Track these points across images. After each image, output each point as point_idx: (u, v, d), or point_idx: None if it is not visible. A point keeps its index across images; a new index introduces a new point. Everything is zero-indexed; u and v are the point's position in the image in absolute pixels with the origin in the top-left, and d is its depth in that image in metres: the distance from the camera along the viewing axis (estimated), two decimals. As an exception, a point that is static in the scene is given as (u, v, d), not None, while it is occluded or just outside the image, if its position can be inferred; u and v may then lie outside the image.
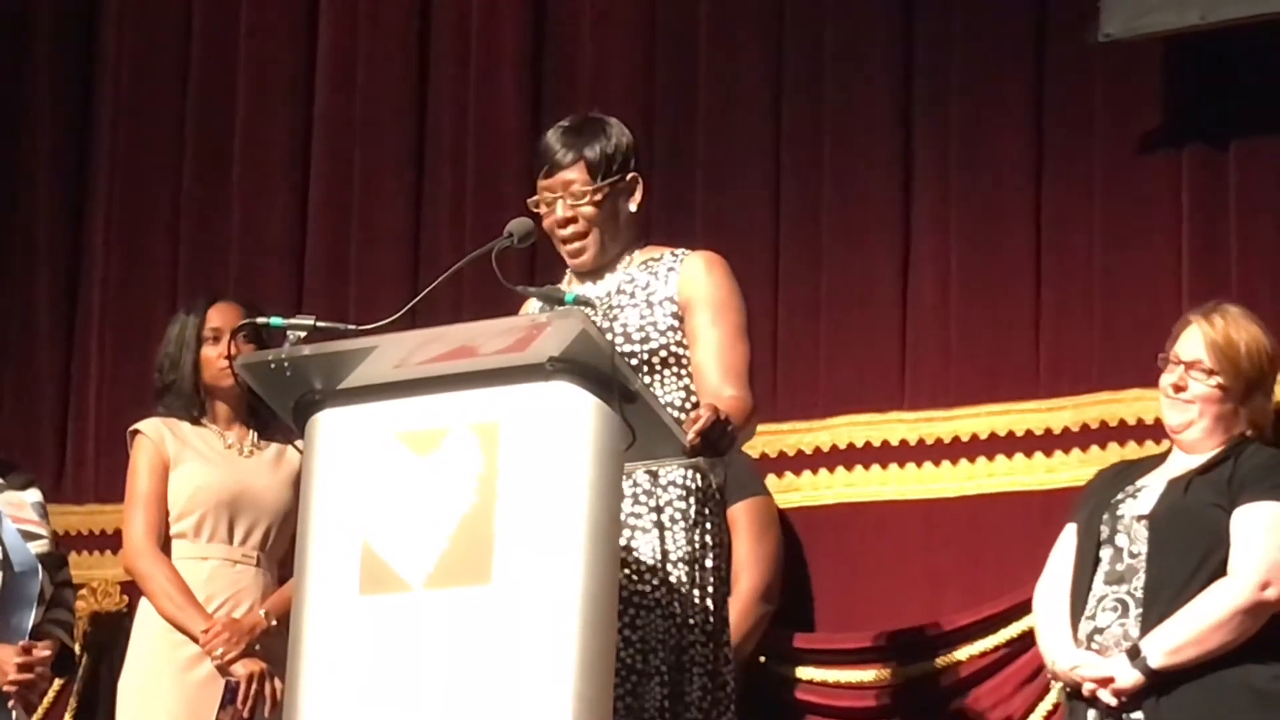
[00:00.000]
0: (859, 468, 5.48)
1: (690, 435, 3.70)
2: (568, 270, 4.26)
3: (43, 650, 5.17)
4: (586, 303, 4.00)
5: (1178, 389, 4.52)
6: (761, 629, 5.23)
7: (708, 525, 4.06)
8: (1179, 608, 4.30)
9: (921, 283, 5.49)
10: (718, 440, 3.74)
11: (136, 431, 5.22)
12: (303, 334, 3.87)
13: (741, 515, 5.17)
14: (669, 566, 3.98)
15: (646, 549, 3.97)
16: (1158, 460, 4.62)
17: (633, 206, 4.18)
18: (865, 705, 5.26)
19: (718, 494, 4.12)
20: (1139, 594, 4.37)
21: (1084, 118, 5.37)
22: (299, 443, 3.87)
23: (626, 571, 3.91)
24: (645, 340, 4.08)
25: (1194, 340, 4.54)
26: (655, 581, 3.96)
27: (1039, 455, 5.28)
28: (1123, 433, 5.17)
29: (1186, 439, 4.53)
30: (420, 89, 6.28)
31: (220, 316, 5.24)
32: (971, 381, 5.39)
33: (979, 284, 5.42)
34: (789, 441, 5.55)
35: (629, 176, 4.17)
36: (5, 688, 5.11)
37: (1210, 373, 4.50)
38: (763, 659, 5.31)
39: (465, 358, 3.69)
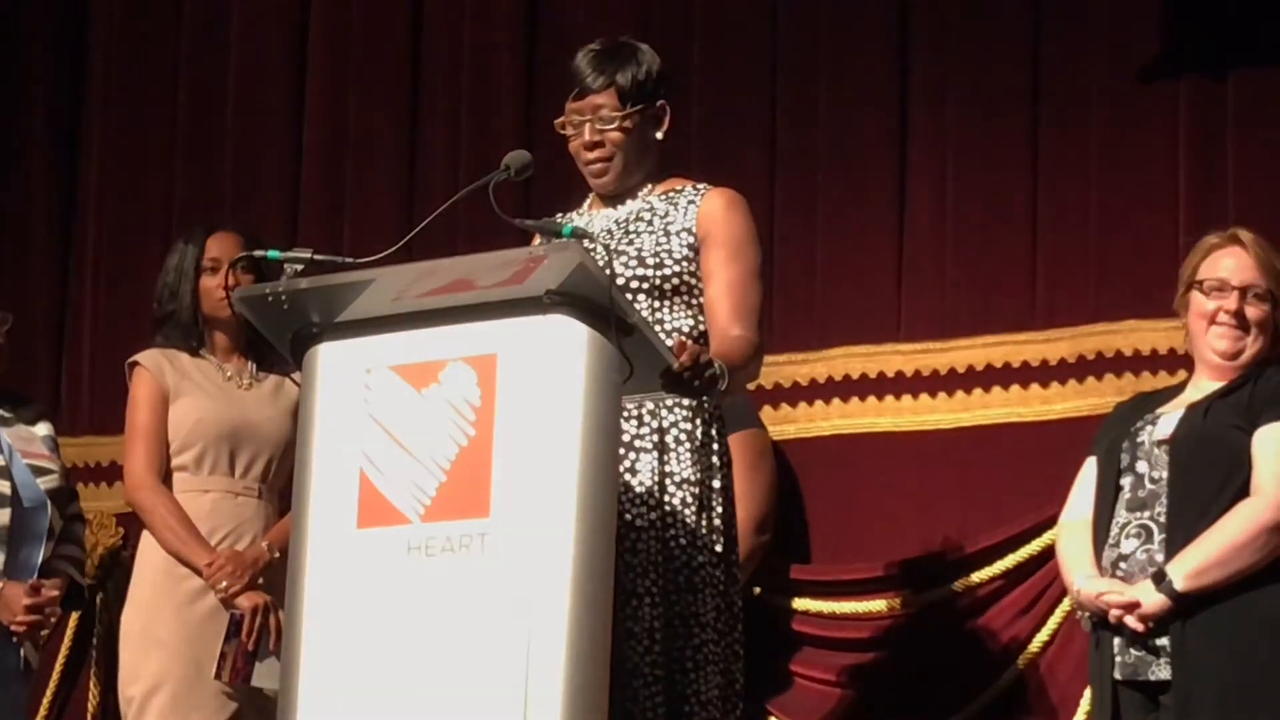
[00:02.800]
0: (855, 399, 5.49)
1: (684, 357, 3.68)
2: (590, 194, 4.25)
3: (51, 590, 5.16)
4: (584, 235, 4.00)
5: (1239, 315, 4.44)
6: (757, 559, 5.24)
7: (715, 445, 4.08)
8: (1203, 531, 4.27)
9: (918, 214, 5.49)
10: (698, 375, 3.71)
11: (135, 363, 5.19)
12: (300, 266, 3.86)
13: (735, 447, 5.16)
14: (671, 488, 3.99)
15: (646, 471, 3.98)
16: (1176, 390, 4.57)
17: (659, 134, 4.18)
18: (861, 636, 5.28)
19: (721, 414, 4.11)
20: (1162, 519, 4.34)
21: (1081, 47, 5.36)
22: (296, 375, 3.87)
23: (625, 495, 3.92)
24: (659, 266, 4.08)
25: (1241, 263, 4.46)
26: (652, 503, 3.97)
27: (1035, 387, 5.29)
28: (1119, 364, 5.18)
29: (1233, 366, 4.44)
30: (415, 21, 6.26)
31: (219, 246, 5.21)
32: (968, 313, 5.39)
33: (975, 215, 5.42)
34: (785, 373, 5.56)
35: (658, 104, 4.17)
36: (13, 627, 5.12)
37: (1265, 295, 4.44)
38: (758, 591, 5.33)
39: (463, 291, 3.69)
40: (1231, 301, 4.44)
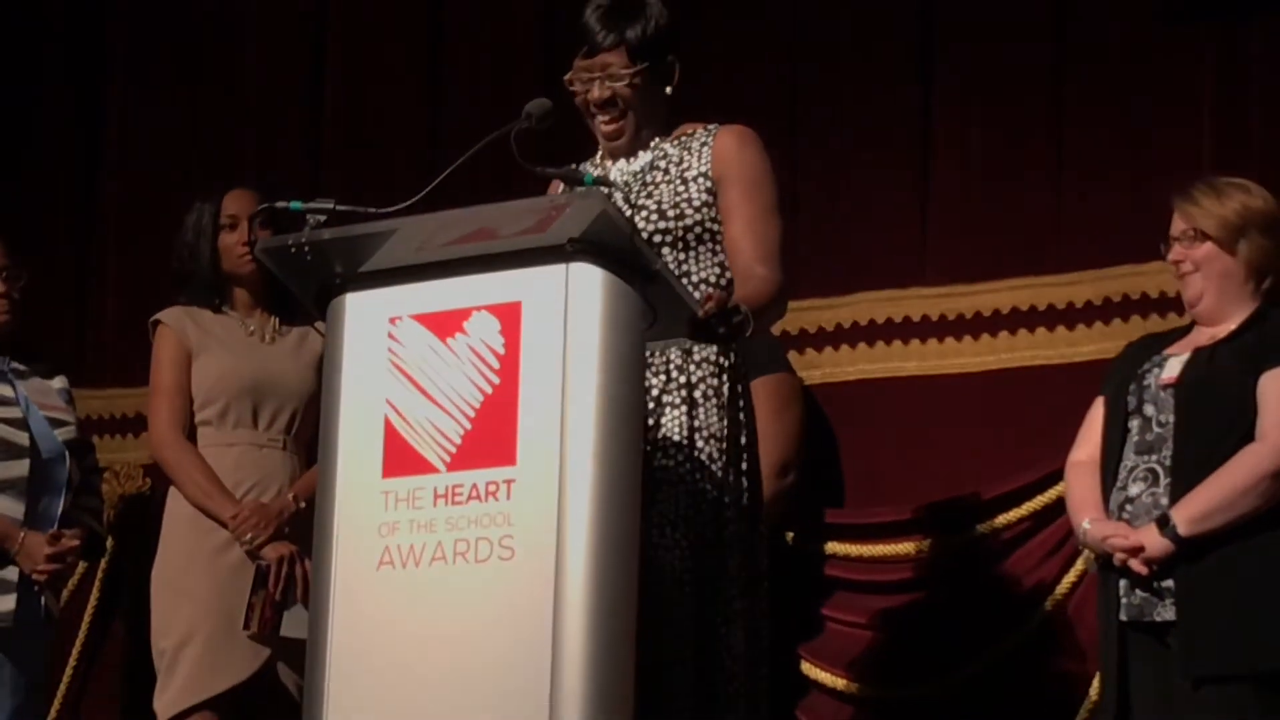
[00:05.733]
0: (880, 343, 5.49)
1: (710, 304, 3.67)
2: (600, 149, 4.23)
3: (71, 540, 5.23)
4: (606, 183, 3.99)
5: (1177, 263, 4.50)
6: (781, 503, 5.23)
7: (740, 403, 4.07)
8: (1207, 475, 4.29)
9: (941, 157, 5.48)
10: (724, 323, 3.71)
11: (158, 322, 5.21)
12: (323, 218, 3.86)
13: (761, 390, 5.16)
14: (699, 443, 3.99)
15: (674, 425, 3.98)
16: (1185, 331, 4.59)
17: (669, 89, 4.15)
18: (891, 579, 5.29)
19: (746, 369, 4.11)
20: (1168, 463, 4.36)
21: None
22: (321, 325, 3.87)
23: (652, 448, 3.91)
24: (680, 216, 4.06)
25: (1176, 217, 4.52)
26: (680, 458, 3.97)
27: (1061, 329, 5.29)
28: (1145, 306, 5.17)
29: (1204, 310, 4.50)
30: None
31: (235, 203, 5.21)
32: (992, 256, 5.39)
33: (999, 158, 5.41)
34: (810, 318, 5.56)
35: (668, 59, 4.13)
36: (35, 576, 5.18)
37: (1195, 235, 4.48)
38: (790, 536, 5.33)
39: (485, 240, 3.68)
40: (1171, 254, 4.51)
